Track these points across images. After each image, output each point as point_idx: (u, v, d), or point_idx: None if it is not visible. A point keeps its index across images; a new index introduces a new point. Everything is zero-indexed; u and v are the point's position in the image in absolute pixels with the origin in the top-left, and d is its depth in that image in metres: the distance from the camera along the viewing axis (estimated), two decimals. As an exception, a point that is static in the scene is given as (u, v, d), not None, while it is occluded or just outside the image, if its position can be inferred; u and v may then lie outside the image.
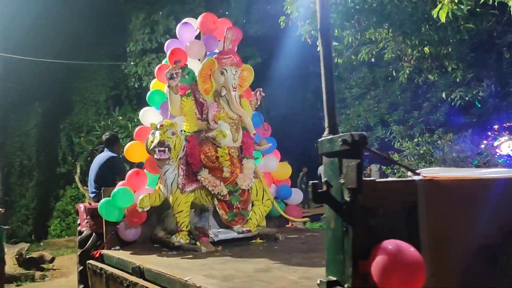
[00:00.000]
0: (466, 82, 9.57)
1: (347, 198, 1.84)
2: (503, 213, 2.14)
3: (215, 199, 4.34)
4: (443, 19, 6.16)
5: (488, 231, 2.09)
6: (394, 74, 10.68)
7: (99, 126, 16.36)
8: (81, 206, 5.60)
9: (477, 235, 2.08)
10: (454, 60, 8.83)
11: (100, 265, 4.40)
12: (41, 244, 14.60)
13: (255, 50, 14.94)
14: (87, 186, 7.04)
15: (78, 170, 17.11)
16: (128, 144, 4.95)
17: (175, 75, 4.29)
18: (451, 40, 8.38)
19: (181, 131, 4.51)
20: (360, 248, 1.79)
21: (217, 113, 4.50)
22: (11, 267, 9.41)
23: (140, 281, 3.49)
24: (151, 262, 3.73)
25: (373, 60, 9.34)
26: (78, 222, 5.78)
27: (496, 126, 11.41)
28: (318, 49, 7.95)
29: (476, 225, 2.08)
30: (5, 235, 13.72)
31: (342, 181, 1.87)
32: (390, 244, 1.77)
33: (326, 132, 2.07)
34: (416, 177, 2.04)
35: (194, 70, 4.64)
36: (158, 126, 4.26)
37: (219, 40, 4.95)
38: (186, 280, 2.93)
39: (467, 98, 9.78)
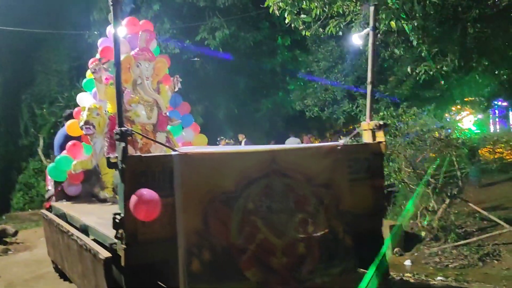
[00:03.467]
0: (431, 57, 9.70)
1: (122, 166, 3.19)
2: (236, 172, 3.43)
3: None
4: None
5: (225, 185, 3.38)
6: (361, 48, 10.73)
7: (62, 98, 15.97)
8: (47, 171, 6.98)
9: (217, 188, 3.34)
10: (419, 34, 8.92)
11: (46, 212, 6.36)
12: (3, 217, 14.31)
13: (222, 22, 14.75)
14: (50, 159, 7.93)
15: (41, 143, 16.73)
16: (68, 122, 6.51)
17: (97, 70, 5.77)
18: (417, 15, 8.45)
19: (106, 112, 6.02)
20: (130, 193, 3.11)
21: (130, 99, 5.97)
22: (-28, 241, 9.23)
23: (62, 222, 5.18)
24: (75, 209, 5.33)
25: (341, 33, 9.33)
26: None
27: (458, 101, 11.65)
28: (286, 21, 7.88)
29: (215, 181, 3.35)
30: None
31: (117, 155, 3.26)
32: (140, 190, 3.10)
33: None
34: (173, 152, 3.33)
35: None
36: (86, 109, 5.80)
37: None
38: (81, 220, 4.62)
39: (431, 72, 9.91)
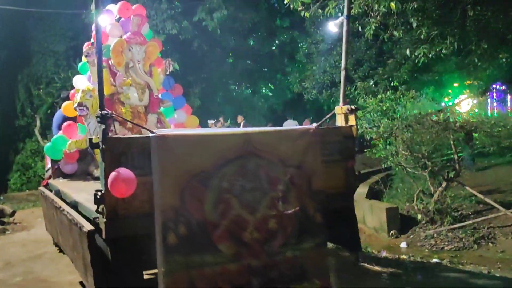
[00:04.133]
0: (430, 39, 9.64)
1: (102, 146, 3.41)
2: (211, 153, 3.66)
3: None
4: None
5: (201, 166, 3.60)
6: (360, 30, 10.65)
7: (59, 78, 15.86)
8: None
9: (193, 168, 3.58)
10: (419, 16, 8.85)
11: (43, 189, 6.71)
12: (1, 198, 14.33)
13: (221, 2, 14.59)
14: (48, 140, 8.11)
15: (38, 123, 16.68)
16: (64, 104, 6.78)
17: (90, 53, 5.96)
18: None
19: None
20: (110, 172, 3.31)
21: (122, 81, 6.17)
22: (-31, 220, 9.25)
23: (56, 198, 5.48)
24: (69, 186, 5.50)
25: (340, 15, 9.24)
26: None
27: (456, 84, 11.64)
28: (285, 2, 7.79)
29: (191, 161, 3.59)
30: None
31: (99, 136, 3.49)
32: (117, 169, 3.31)
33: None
34: (151, 134, 3.54)
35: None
36: (80, 91, 6.04)
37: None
38: (72, 196, 4.77)
39: (430, 55, 9.87)
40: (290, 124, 17.32)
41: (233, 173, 3.73)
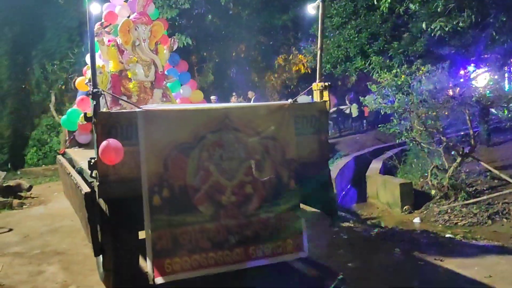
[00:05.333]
0: (447, 12, 9.44)
1: (94, 120, 3.89)
2: (192, 126, 4.09)
3: None
4: None
5: (183, 137, 4.04)
6: (375, 3, 10.45)
7: (73, 53, 15.88)
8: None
9: (175, 139, 4.01)
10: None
11: (60, 157, 7.45)
12: (18, 172, 14.55)
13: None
14: (63, 115, 8.31)
15: (53, 99, 16.81)
16: (78, 80, 7.06)
17: (99, 33, 6.38)
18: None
19: (109, 71, 6.64)
20: (101, 141, 3.75)
21: (129, 59, 6.62)
22: (-13, 195, 9.42)
23: (68, 165, 6.18)
24: (80, 155, 5.84)
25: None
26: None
27: (473, 58, 11.43)
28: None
29: (174, 134, 4.02)
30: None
31: (91, 112, 3.97)
32: (107, 140, 3.73)
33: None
34: (137, 109, 3.97)
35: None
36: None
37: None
38: (79, 163, 5.26)
39: (447, 28, 9.68)
40: (304, 100, 17.23)
41: (212, 144, 4.15)
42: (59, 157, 7.59)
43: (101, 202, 4.13)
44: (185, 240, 3.99)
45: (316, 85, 5.00)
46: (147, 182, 3.88)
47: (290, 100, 4.72)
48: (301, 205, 4.64)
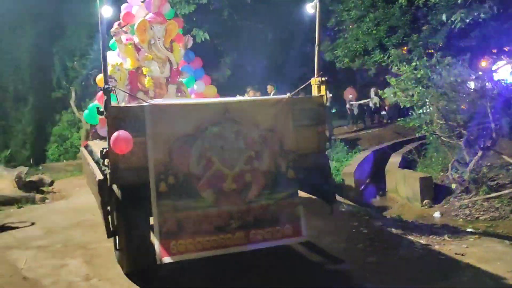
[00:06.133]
0: (468, 4, 9.31)
1: (105, 114, 4.31)
2: (195, 119, 4.45)
3: None
4: None
5: (186, 129, 4.40)
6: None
7: (92, 50, 16.03)
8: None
9: (179, 131, 4.38)
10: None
11: (82, 149, 7.82)
12: (40, 168, 14.78)
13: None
14: (83, 111, 8.54)
15: (73, 95, 17.01)
16: (98, 77, 7.23)
17: (117, 33, 6.90)
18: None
19: (126, 68, 6.97)
20: (112, 133, 4.12)
21: (144, 56, 6.99)
22: (11, 190, 9.58)
23: (88, 156, 6.50)
24: (99, 146, 5.62)
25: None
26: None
27: (495, 50, 11.25)
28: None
29: (178, 126, 4.39)
30: (3, 159, 13.91)
31: (102, 106, 4.43)
32: (118, 131, 4.09)
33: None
34: (145, 104, 4.41)
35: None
36: (110, 65, 6.58)
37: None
38: (97, 154, 5.17)
39: (467, 20, 9.55)
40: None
41: (214, 136, 4.48)
42: (82, 149, 7.95)
43: (115, 188, 4.45)
44: (189, 224, 4.32)
45: (314, 80, 5.30)
46: (154, 170, 4.24)
47: (288, 95, 4.94)
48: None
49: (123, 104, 6.87)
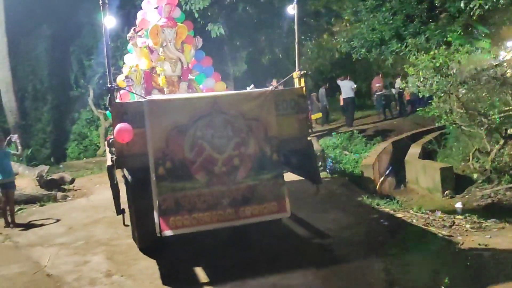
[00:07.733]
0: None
1: (109, 109, 5.12)
2: (188, 111, 5.06)
3: None
4: None
5: (180, 120, 5.01)
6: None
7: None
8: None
9: (174, 122, 4.98)
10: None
11: (106, 143, 7.70)
12: (61, 166, 14.96)
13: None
14: (101, 109, 8.57)
15: (91, 93, 17.15)
16: (118, 78, 7.60)
17: (132, 37, 7.56)
18: None
19: (142, 68, 7.41)
20: (116, 125, 4.80)
21: (157, 57, 7.55)
22: (33, 188, 9.71)
23: (107, 148, 6.35)
24: None
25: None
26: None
27: (516, 36, 11.01)
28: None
29: (173, 118, 4.99)
30: (25, 158, 14.09)
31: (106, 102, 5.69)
32: (120, 123, 4.79)
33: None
34: (143, 99, 5.09)
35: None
36: (127, 66, 7.49)
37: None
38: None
39: (486, 6, 9.36)
40: (346, 85, 17.06)
41: (205, 125, 5.08)
42: (106, 143, 8.28)
43: (125, 172, 5.36)
44: (185, 202, 4.91)
45: (296, 73, 5.94)
46: (153, 156, 4.86)
47: (271, 87, 5.76)
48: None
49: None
